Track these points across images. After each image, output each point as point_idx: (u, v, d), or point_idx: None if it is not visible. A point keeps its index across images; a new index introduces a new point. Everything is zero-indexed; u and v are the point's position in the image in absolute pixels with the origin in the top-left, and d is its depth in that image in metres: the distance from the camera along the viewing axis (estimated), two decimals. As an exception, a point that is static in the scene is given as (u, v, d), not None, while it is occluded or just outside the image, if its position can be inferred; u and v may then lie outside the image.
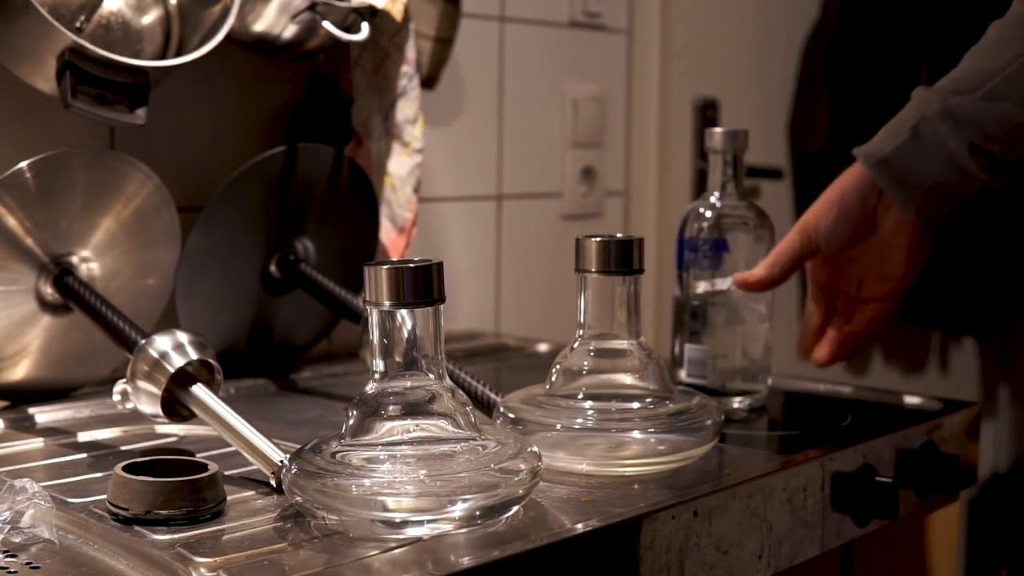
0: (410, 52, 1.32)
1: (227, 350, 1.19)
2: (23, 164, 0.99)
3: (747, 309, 1.11)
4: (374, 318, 0.76)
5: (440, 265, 0.76)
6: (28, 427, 1.01)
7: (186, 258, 1.14)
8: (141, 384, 0.90)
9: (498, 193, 1.60)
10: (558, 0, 1.65)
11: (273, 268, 1.22)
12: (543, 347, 1.47)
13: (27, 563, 0.70)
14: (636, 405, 0.88)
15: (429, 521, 0.72)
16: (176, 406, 0.90)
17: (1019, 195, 2.13)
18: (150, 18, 1.13)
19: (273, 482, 0.82)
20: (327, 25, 1.16)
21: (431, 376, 0.77)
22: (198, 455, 0.88)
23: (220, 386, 0.92)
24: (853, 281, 1.11)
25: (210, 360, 0.91)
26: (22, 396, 1.06)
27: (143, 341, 0.91)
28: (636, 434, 0.86)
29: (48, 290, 1.04)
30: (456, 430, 0.77)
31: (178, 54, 1.11)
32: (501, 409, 0.89)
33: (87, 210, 1.05)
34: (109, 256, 1.07)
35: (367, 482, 0.72)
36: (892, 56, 2.03)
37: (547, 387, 0.90)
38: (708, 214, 1.10)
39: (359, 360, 1.15)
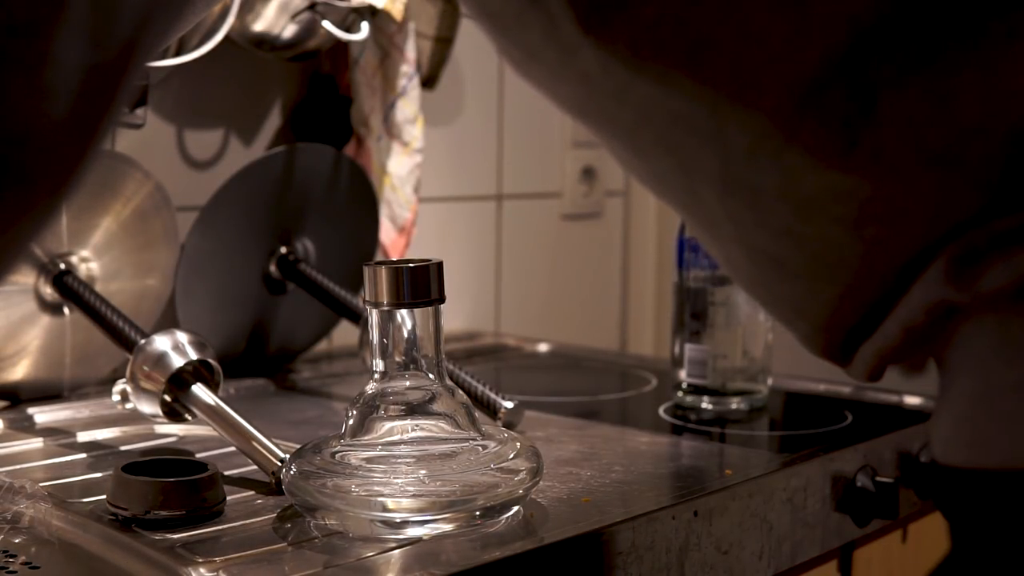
0: (410, 52, 1.32)
1: (227, 350, 1.19)
2: (23, 164, 0.98)
3: (747, 309, 1.10)
4: (374, 318, 0.76)
5: (440, 265, 0.76)
6: (28, 427, 1.01)
7: (186, 258, 1.14)
8: (141, 384, 0.90)
9: (498, 193, 1.60)
10: (558, 0, 1.65)
11: (273, 268, 1.22)
12: (543, 347, 1.47)
13: (27, 563, 0.70)
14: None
15: (429, 521, 0.72)
16: (175, 406, 0.90)
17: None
18: (150, 18, 1.12)
19: (273, 482, 0.82)
20: (327, 25, 1.16)
21: (431, 376, 0.77)
22: (198, 455, 0.88)
23: (220, 386, 0.92)
24: None
25: (210, 360, 0.91)
26: (22, 396, 1.06)
27: (143, 341, 0.91)
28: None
29: (47, 290, 1.04)
30: (456, 430, 0.77)
31: (178, 54, 1.11)
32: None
33: (86, 210, 1.05)
34: (109, 256, 1.07)
35: (367, 482, 0.72)
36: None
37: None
38: (708, 214, 1.10)
39: (359, 360, 1.15)
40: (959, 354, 0.49)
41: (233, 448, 0.86)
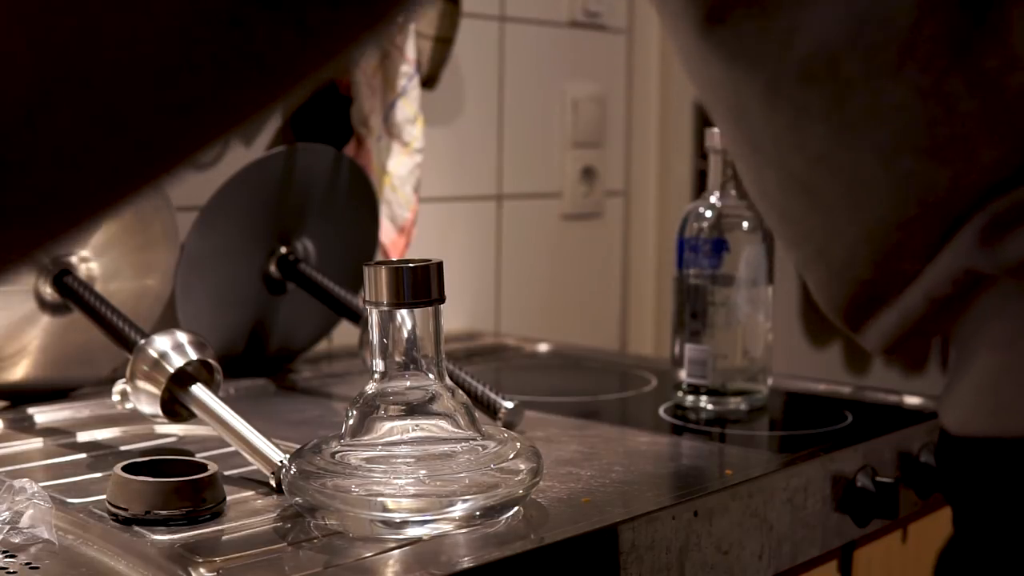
0: (410, 52, 1.32)
1: (227, 350, 1.18)
2: (23, 164, 0.98)
3: (747, 309, 1.10)
4: (374, 318, 0.76)
5: (440, 265, 0.76)
6: (28, 427, 1.01)
7: (186, 258, 1.14)
8: (141, 384, 0.90)
9: (498, 193, 1.60)
10: (558, 0, 1.65)
11: (273, 268, 1.22)
12: (543, 347, 1.47)
13: (26, 563, 0.70)
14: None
15: (429, 521, 0.72)
16: (176, 406, 0.90)
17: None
18: (150, 18, 1.12)
19: (273, 482, 0.82)
20: (327, 25, 1.16)
21: (431, 376, 0.77)
22: (198, 455, 0.88)
23: (220, 386, 0.92)
24: None
25: (210, 360, 0.91)
26: (22, 396, 1.06)
27: (143, 341, 0.91)
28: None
29: (47, 290, 1.04)
30: (456, 430, 0.77)
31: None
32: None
33: (87, 210, 1.05)
34: (108, 256, 1.07)
35: (367, 482, 0.72)
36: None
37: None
38: (708, 214, 1.10)
39: (359, 360, 1.15)
40: (980, 325, 0.49)
41: (233, 448, 0.86)
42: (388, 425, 0.76)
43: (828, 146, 0.50)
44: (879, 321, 0.53)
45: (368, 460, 0.74)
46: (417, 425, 0.76)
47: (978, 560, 0.50)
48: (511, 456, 0.75)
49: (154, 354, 0.89)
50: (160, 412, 0.90)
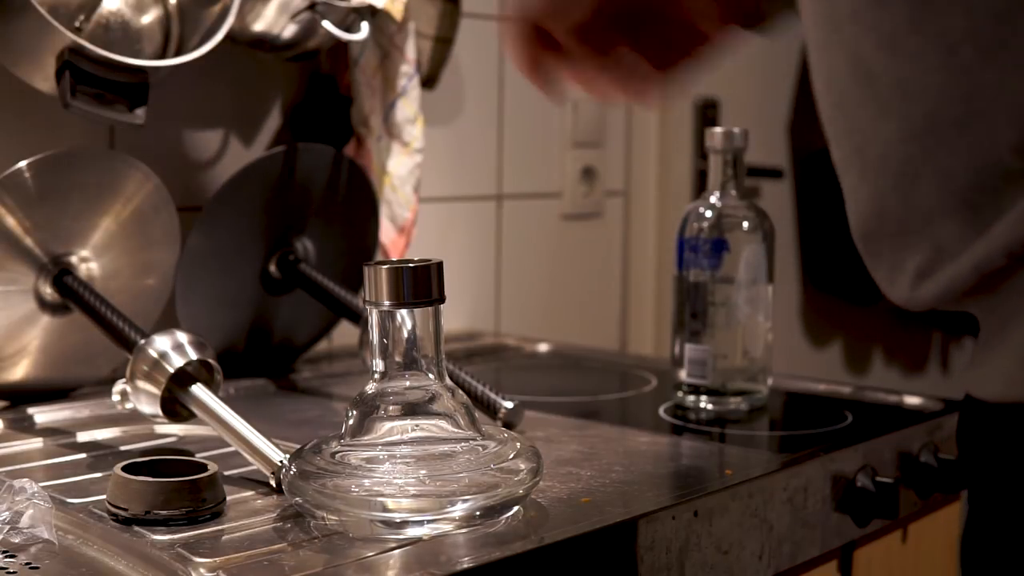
0: (410, 52, 1.32)
1: (227, 350, 1.18)
2: (22, 164, 0.98)
3: (747, 309, 1.10)
4: (374, 318, 0.76)
5: (440, 265, 0.76)
6: (28, 427, 1.01)
7: (186, 258, 1.14)
8: (141, 384, 0.90)
9: (498, 193, 1.60)
10: (558, 0, 1.65)
11: (273, 268, 1.22)
12: (543, 347, 1.47)
13: (26, 563, 0.70)
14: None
15: (429, 521, 0.72)
16: (176, 406, 0.90)
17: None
18: (150, 18, 1.13)
19: (273, 482, 0.82)
20: (327, 25, 1.16)
21: (431, 376, 0.77)
22: (198, 455, 0.87)
23: (220, 386, 0.92)
24: None
25: (210, 360, 0.91)
26: (22, 396, 1.06)
27: (142, 341, 0.91)
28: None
29: (47, 290, 1.04)
30: (456, 430, 0.77)
31: (177, 54, 1.11)
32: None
33: (86, 210, 1.05)
34: (108, 256, 1.07)
35: (367, 482, 0.72)
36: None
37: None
38: (708, 214, 1.10)
39: (359, 360, 1.15)
40: (1021, 294, 0.48)
41: (233, 448, 0.86)
42: (388, 425, 0.76)
43: (901, 27, 0.51)
44: (919, 289, 0.53)
45: (368, 460, 0.74)
46: (417, 425, 0.76)
47: (1012, 534, 0.49)
48: (511, 456, 0.75)
49: (154, 354, 0.89)
50: (160, 412, 0.90)
